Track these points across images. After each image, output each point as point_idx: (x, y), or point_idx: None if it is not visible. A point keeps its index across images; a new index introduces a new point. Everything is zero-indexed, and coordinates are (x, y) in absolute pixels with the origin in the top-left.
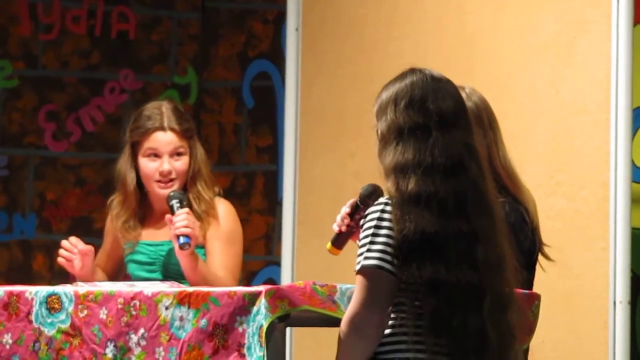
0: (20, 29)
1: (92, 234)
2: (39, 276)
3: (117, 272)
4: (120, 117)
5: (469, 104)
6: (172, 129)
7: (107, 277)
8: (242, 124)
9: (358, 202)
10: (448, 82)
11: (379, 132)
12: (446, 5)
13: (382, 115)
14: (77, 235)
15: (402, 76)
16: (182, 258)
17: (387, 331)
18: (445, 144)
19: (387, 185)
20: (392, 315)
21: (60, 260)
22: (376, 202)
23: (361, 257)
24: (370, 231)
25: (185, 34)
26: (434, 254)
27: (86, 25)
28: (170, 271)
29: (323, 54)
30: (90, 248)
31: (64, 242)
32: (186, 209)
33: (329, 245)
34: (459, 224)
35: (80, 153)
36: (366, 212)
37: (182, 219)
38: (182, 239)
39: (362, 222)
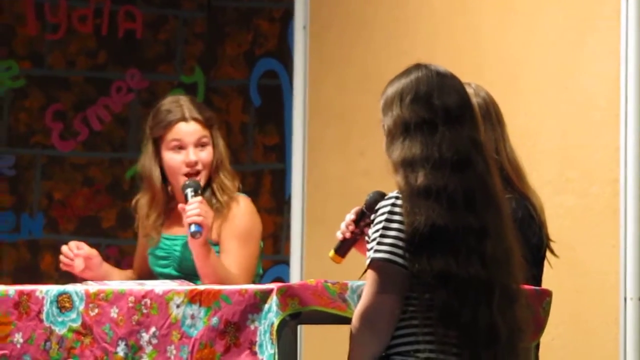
0: (26, 28)
1: (99, 234)
2: (47, 276)
3: (150, 275)
4: (127, 117)
5: (477, 99)
6: (194, 119)
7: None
8: (249, 123)
9: (364, 209)
10: (453, 78)
11: (386, 127)
12: (455, 3)
13: (388, 111)
14: (85, 235)
15: (407, 72)
16: (194, 248)
17: (397, 324)
18: (452, 139)
19: (396, 179)
20: (403, 309)
21: (61, 266)
22: (386, 197)
23: (371, 251)
24: (381, 225)
25: (192, 33)
26: (444, 247)
27: (93, 24)
28: (184, 267)
29: (331, 52)
30: (93, 252)
31: (63, 248)
32: (199, 198)
33: (331, 253)
34: (468, 218)
35: (87, 152)
36: (377, 207)
37: (194, 207)
38: (193, 227)
39: (372, 216)
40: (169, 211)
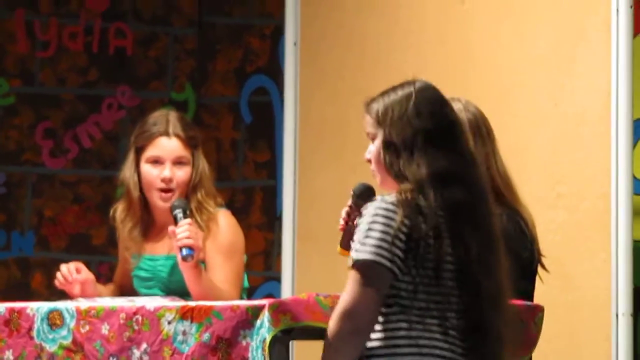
0: (17, 46)
1: (90, 251)
2: (37, 294)
3: (131, 290)
4: (118, 134)
5: (466, 115)
6: (176, 136)
7: (122, 294)
8: (240, 140)
9: (351, 203)
10: (443, 95)
11: (386, 141)
12: (446, 17)
13: (390, 124)
14: (76, 252)
15: (403, 86)
16: (185, 270)
17: (378, 327)
18: (449, 155)
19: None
20: (384, 310)
21: (57, 283)
22: (374, 199)
23: (353, 252)
24: (365, 226)
25: (182, 50)
26: (435, 259)
27: (83, 41)
28: (171, 287)
29: (322, 68)
30: (90, 276)
31: (63, 267)
32: (188, 220)
33: (338, 248)
34: (460, 229)
35: (77, 170)
36: (362, 210)
37: (184, 230)
38: (184, 251)
39: (356, 220)
40: (148, 229)
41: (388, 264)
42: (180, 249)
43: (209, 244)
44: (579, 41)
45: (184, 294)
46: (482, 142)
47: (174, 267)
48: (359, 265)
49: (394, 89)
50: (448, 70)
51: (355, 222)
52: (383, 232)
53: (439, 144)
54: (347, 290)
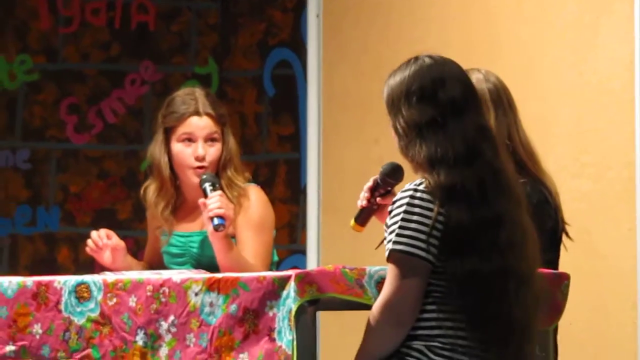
0: (40, 23)
1: (115, 226)
2: (64, 268)
3: (161, 266)
4: (141, 109)
5: (487, 85)
6: (207, 114)
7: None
8: (263, 113)
9: (378, 180)
10: (452, 65)
11: (399, 129)
12: None
13: (397, 112)
14: (101, 227)
15: (405, 66)
16: (216, 241)
17: (419, 317)
18: (461, 132)
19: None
20: (424, 301)
21: (88, 250)
22: (404, 189)
23: (390, 243)
24: (399, 217)
25: (205, 24)
26: (470, 245)
27: (106, 17)
28: (202, 262)
29: (346, 40)
30: (121, 244)
31: (93, 233)
32: (219, 191)
33: (352, 222)
34: (484, 210)
35: (102, 145)
36: (394, 199)
37: (215, 200)
38: (216, 220)
39: (390, 208)
40: (178, 207)
41: (424, 254)
42: (212, 219)
43: (240, 218)
44: (602, 12)
45: (215, 269)
46: (504, 112)
47: (205, 242)
48: (395, 257)
49: (399, 69)
50: (472, 42)
51: (377, 200)
52: (419, 222)
53: (452, 121)
54: (387, 282)
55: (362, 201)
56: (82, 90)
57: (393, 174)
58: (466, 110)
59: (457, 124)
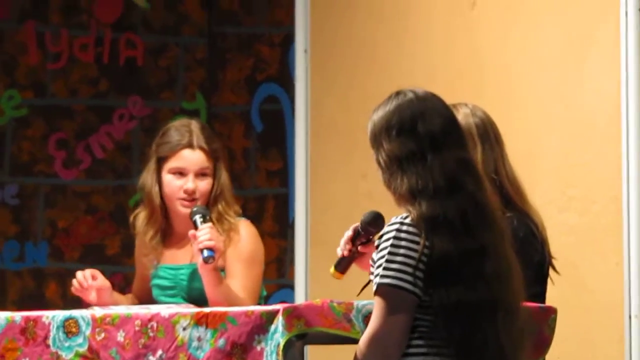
0: (28, 58)
1: (103, 262)
2: (52, 304)
3: (151, 298)
4: (130, 144)
5: (474, 120)
6: (200, 148)
7: (141, 303)
8: (251, 148)
9: (359, 229)
10: (434, 100)
11: (382, 162)
12: (455, 23)
13: (378, 146)
14: (90, 262)
15: (388, 101)
16: (205, 274)
17: (406, 352)
18: (440, 165)
19: (402, 211)
20: (411, 336)
21: (73, 290)
22: (390, 222)
23: (377, 277)
24: (386, 250)
25: (193, 59)
26: (455, 276)
27: (94, 52)
28: (193, 295)
29: (333, 75)
30: (106, 284)
31: (78, 274)
32: (209, 224)
33: (332, 269)
34: (468, 242)
35: (90, 180)
36: (381, 232)
37: (205, 232)
38: (206, 253)
39: (377, 242)
40: (167, 237)
41: (410, 287)
42: (202, 251)
43: (230, 252)
44: (588, 45)
45: (206, 302)
46: (490, 147)
47: (195, 275)
48: (382, 291)
49: (382, 103)
50: (457, 76)
51: (359, 249)
52: (406, 255)
53: (431, 154)
54: (374, 315)
55: (343, 251)
56: (71, 126)
57: (374, 223)
58: (446, 144)
59: (437, 157)
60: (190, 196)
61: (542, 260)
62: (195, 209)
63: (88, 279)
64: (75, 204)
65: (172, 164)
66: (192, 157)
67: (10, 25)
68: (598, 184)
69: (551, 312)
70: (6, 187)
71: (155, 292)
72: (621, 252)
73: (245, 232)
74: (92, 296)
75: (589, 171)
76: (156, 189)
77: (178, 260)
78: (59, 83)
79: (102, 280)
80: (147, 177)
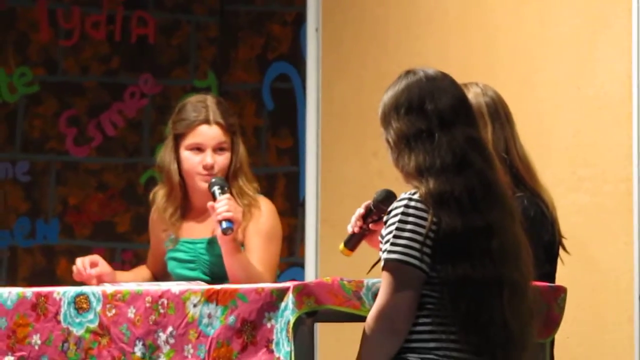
0: (40, 35)
1: (114, 238)
2: (63, 281)
3: (166, 272)
4: (141, 122)
5: (484, 99)
6: (217, 123)
7: (155, 279)
8: (262, 126)
9: (371, 206)
10: (444, 79)
11: (390, 141)
12: (468, 3)
13: (387, 125)
14: (100, 239)
15: (398, 81)
16: (224, 244)
17: (414, 329)
18: (448, 143)
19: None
20: (418, 314)
21: (74, 276)
22: (399, 198)
23: (384, 253)
24: (394, 226)
25: (205, 38)
26: (462, 252)
27: (106, 30)
28: (212, 269)
29: (345, 54)
30: (107, 269)
31: (78, 261)
32: (227, 195)
33: (341, 246)
34: (475, 218)
35: (101, 158)
36: (390, 208)
37: (224, 204)
38: (224, 224)
39: (385, 218)
40: (186, 213)
41: (417, 262)
42: (220, 222)
43: (251, 226)
44: (600, 26)
45: (225, 275)
46: (501, 126)
47: (214, 247)
48: (390, 266)
49: (393, 83)
50: (470, 56)
51: (370, 226)
52: (413, 231)
53: (439, 132)
54: (381, 290)
55: (353, 227)
56: (82, 103)
57: (387, 200)
58: (455, 122)
59: (445, 135)
60: (209, 171)
61: (552, 239)
62: (213, 180)
63: (87, 268)
64: (86, 181)
65: (189, 140)
66: (209, 133)
67: (22, 2)
68: (609, 165)
69: (561, 292)
70: (18, 164)
71: (171, 265)
72: (631, 232)
73: (266, 208)
74: (93, 283)
75: (600, 152)
76: (175, 166)
77: (197, 234)
78: (71, 60)
79: (102, 267)
80: (165, 155)
